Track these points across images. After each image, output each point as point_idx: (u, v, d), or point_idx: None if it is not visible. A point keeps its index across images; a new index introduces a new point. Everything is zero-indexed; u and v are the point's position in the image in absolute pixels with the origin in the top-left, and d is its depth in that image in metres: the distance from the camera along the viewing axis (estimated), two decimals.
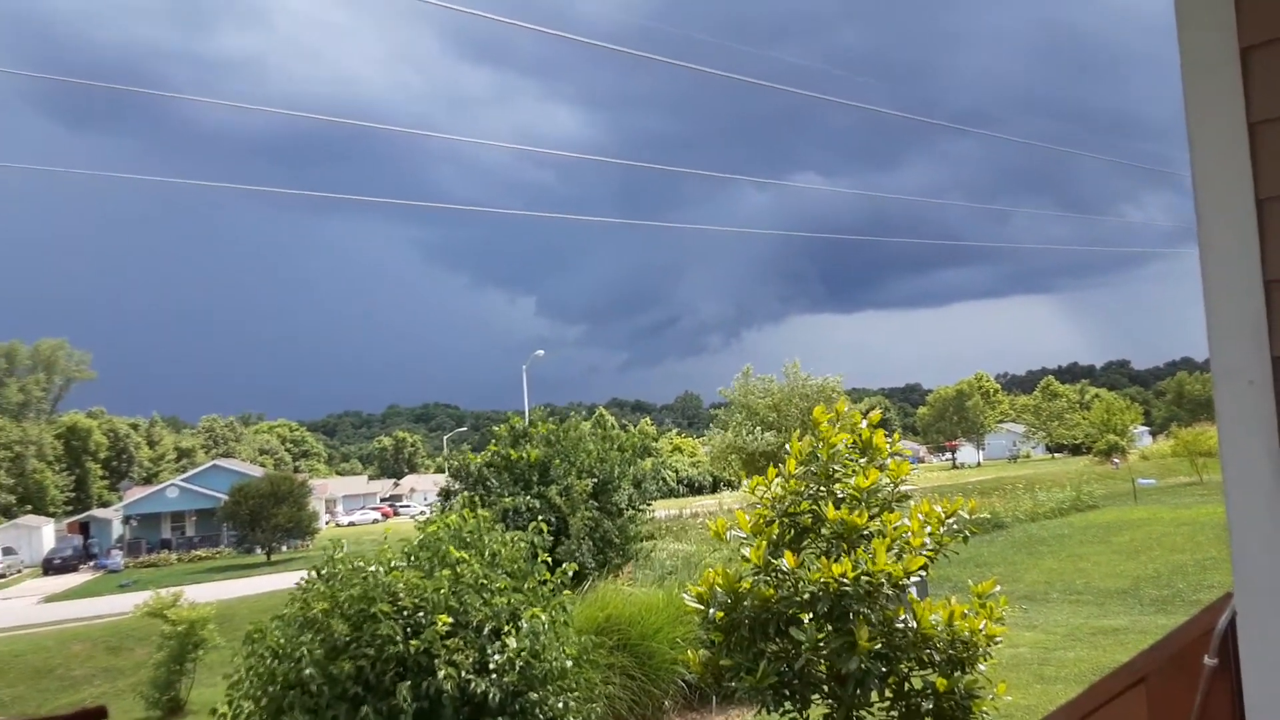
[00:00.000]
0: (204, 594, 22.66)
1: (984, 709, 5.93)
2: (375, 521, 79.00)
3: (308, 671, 6.05)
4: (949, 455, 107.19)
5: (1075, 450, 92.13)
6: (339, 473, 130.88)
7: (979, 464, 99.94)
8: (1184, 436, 44.38)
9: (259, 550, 51.35)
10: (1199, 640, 1.52)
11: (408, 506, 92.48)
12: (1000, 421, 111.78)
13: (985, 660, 6.08)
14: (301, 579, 7.09)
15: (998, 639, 6.11)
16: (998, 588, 6.56)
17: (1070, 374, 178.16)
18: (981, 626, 6.02)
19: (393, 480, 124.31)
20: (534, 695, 6.46)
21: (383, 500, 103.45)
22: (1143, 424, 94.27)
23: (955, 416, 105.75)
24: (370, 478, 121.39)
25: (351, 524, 77.93)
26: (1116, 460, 46.78)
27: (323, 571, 6.98)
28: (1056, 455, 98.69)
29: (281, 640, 6.41)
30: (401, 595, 6.41)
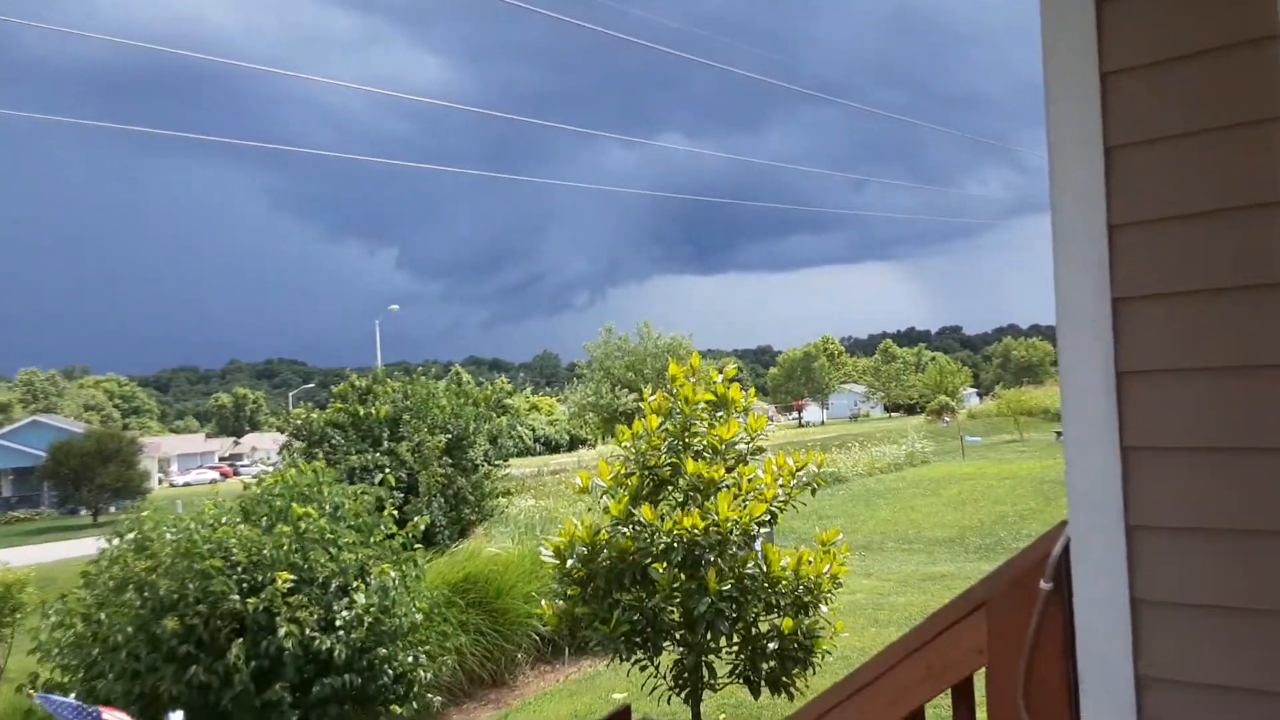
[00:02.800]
0: (23, 556, 21.09)
1: (824, 648, 6.26)
2: (213, 482, 75.35)
3: (128, 630, 5.72)
4: (795, 414, 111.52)
5: (910, 410, 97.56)
6: (173, 430, 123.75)
7: (823, 422, 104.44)
8: (1008, 397, 47.87)
9: (84, 511, 48.17)
10: (1035, 567, 1.65)
11: (248, 466, 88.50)
12: (843, 382, 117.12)
13: (828, 603, 6.40)
14: (103, 544, 6.61)
15: (839, 581, 6.44)
16: (840, 536, 6.90)
17: (908, 338, 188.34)
18: (826, 569, 6.33)
19: (233, 439, 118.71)
20: (383, 651, 6.34)
21: (221, 460, 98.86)
22: (972, 386, 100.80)
23: (803, 377, 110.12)
24: (208, 436, 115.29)
25: (187, 484, 74.09)
26: (947, 419, 49.88)
27: (129, 535, 6.50)
28: (894, 414, 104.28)
29: (90, 601, 6.03)
30: (235, 551, 6.13)
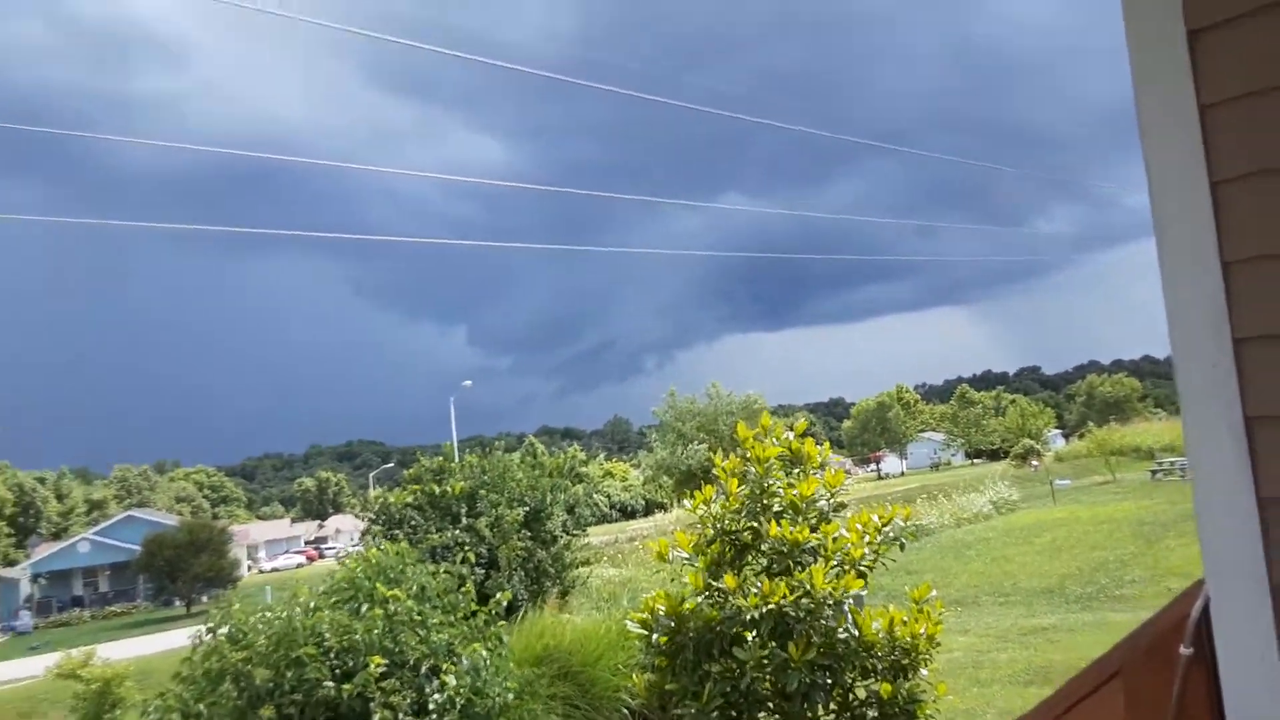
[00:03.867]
0: (120, 651, 21.54)
1: (927, 713, 5.97)
2: (300, 566, 76.56)
3: None
4: (874, 466, 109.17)
5: (994, 455, 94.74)
6: (260, 517, 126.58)
7: (903, 473, 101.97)
8: (1098, 436, 46.12)
9: (178, 602, 49.24)
10: (1173, 629, 1.51)
11: (333, 548, 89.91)
12: (921, 431, 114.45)
13: (926, 665, 6.13)
14: (196, 635, 6.67)
15: (937, 641, 6.17)
16: (933, 592, 6.63)
17: (985, 381, 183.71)
18: (922, 631, 6.07)
19: (317, 522, 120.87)
20: None
21: (307, 543, 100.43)
22: (1056, 427, 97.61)
23: (878, 428, 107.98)
24: (293, 520, 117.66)
25: (275, 570, 75.34)
26: (1035, 463, 48.25)
27: (222, 630, 6.51)
28: (975, 461, 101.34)
29: (187, 696, 6.07)
30: (327, 636, 6.14)
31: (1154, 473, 31.86)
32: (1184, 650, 1.47)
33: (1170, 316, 1.45)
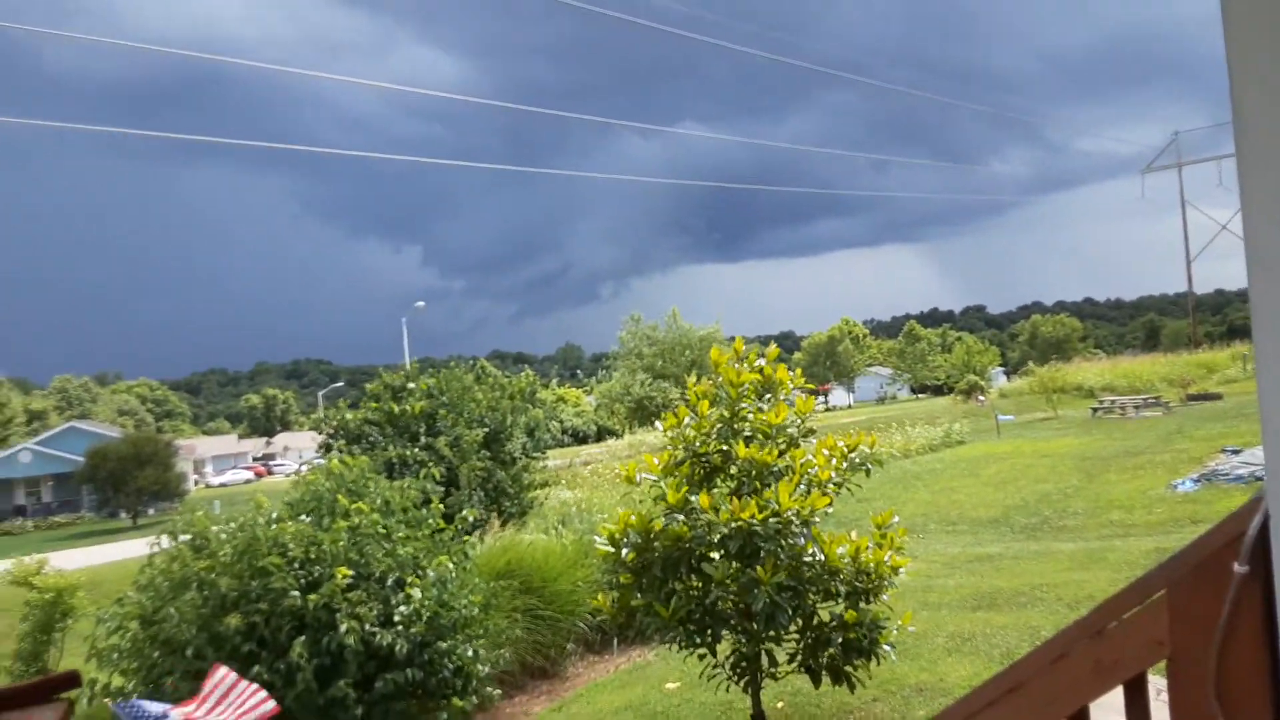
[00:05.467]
0: (67, 561, 21.25)
1: (889, 640, 6.11)
2: (248, 481, 76.18)
3: (191, 630, 5.68)
4: (822, 398, 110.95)
5: (938, 390, 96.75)
6: (206, 432, 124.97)
7: (850, 406, 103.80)
8: (1040, 374, 47.22)
9: (123, 515, 48.76)
10: (1225, 548, 1.49)
11: (282, 465, 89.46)
12: (869, 365, 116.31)
13: (888, 590, 6.26)
14: (157, 545, 6.53)
15: (901, 570, 6.29)
16: (895, 519, 6.76)
17: (931, 319, 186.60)
18: (886, 558, 6.18)
19: (265, 439, 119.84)
20: (443, 644, 6.29)
21: (255, 459, 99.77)
22: (999, 365, 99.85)
23: (827, 361, 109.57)
24: (240, 436, 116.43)
25: (223, 485, 74.80)
26: (980, 399, 49.36)
27: (184, 536, 6.45)
28: (920, 396, 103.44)
29: (148, 604, 5.99)
30: (291, 547, 6.09)
31: (1095, 410, 32.83)
32: (1239, 568, 1.46)
33: (1246, 223, 1.38)
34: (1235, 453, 17.92)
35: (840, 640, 5.99)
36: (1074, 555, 11.60)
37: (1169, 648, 1.57)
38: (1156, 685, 1.72)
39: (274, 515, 6.61)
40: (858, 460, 6.75)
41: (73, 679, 2.70)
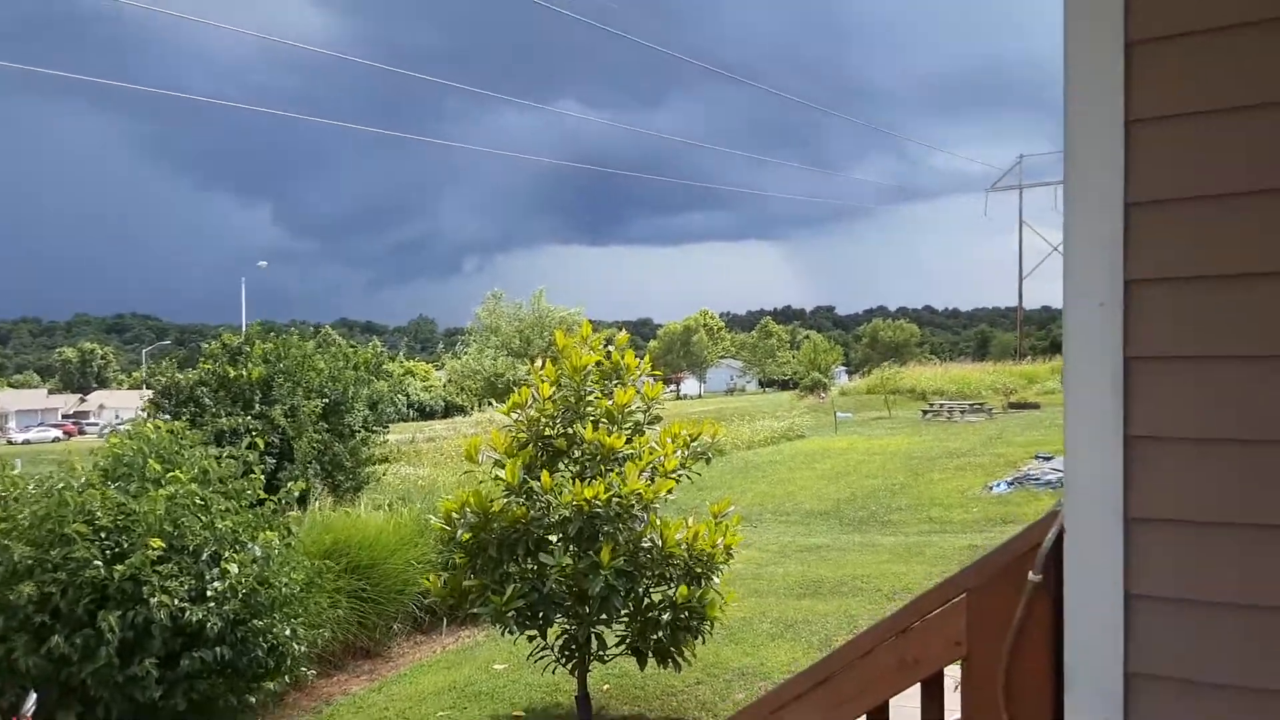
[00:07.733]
0: None
1: (715, 615, 6.28)
2: (56, 440, 70.68)
3: None
4: (673, 387, 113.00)
5: (784, 385, 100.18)
6: (11, 385, 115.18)
7: (700, 395, 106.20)
8: (878, 375, 49.71)
9: None
10: (1023, 557, 1.58)
11: (95, 424, 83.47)
12: (721, 357, 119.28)
13: (719, 574, 6.41)
14: None
15: (732, 552, 6.45)
16: (732, 507, 6.92)
17: (785, 315, 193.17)
18: (719, 542, 6.33)
19: (79, 395, 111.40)
20: (258, 623, 6.01)
21: (65, 417, 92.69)
22: (842, 364, 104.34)
23: (682, 350, 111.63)
24: (51, 391, 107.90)
25: (27, 442, 69.14)
26: (822, 396, 51.40)
27: None
28: (768, 390, 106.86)
29: None
30: (99, 515, 5.69)
31: (925, 413, 34.74)
32: (1033, 577, 1.55)
33: (1066, 254, 1.47)
34: (1047, 459, 19.34)
35: (669, 620, 6.09)
36: (894, 548, 12.25)
37: (965, 648, 1.65)
38: (956, 679, 1.81)
39: (83, 480, 6.14)
40: (699, 449, 6.87)
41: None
